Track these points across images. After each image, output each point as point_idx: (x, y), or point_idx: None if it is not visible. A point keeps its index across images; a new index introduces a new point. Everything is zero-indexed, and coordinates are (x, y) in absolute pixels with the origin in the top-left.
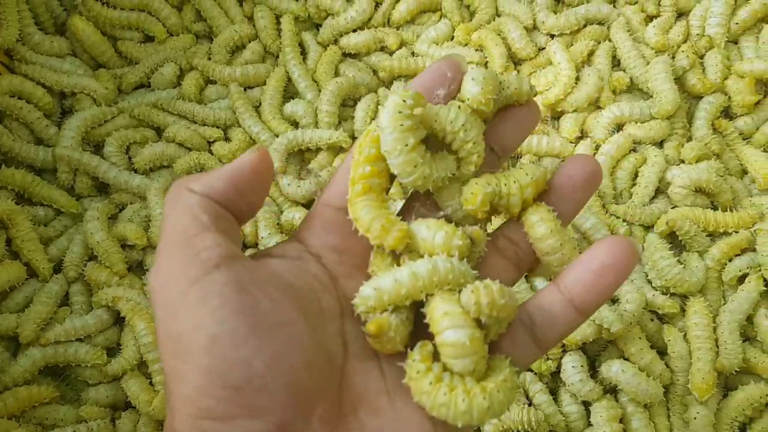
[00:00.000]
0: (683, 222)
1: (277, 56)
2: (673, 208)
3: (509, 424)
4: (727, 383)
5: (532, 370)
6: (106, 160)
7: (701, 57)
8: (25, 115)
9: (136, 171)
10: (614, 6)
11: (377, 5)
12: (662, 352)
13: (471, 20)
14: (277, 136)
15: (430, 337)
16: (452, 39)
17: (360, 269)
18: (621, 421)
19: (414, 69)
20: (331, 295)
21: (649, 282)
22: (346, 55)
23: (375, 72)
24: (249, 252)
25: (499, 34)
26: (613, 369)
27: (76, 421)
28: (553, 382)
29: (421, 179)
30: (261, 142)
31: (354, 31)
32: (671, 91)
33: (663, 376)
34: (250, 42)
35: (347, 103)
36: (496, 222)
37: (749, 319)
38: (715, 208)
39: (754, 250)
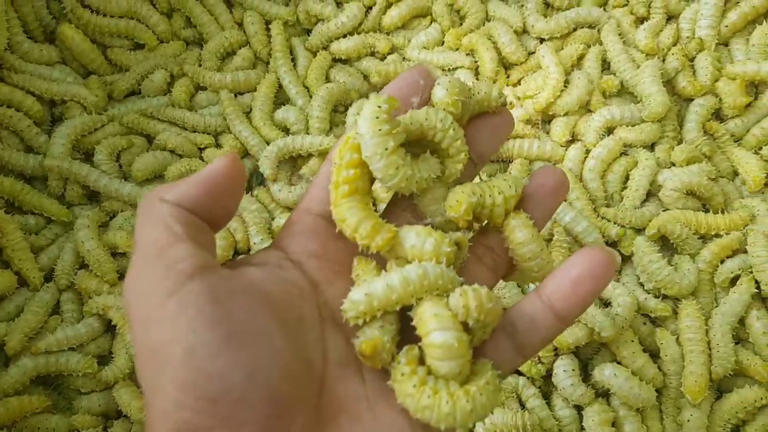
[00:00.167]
0: (674, 226)
1: (268, 62)
2: (664, 210)
3: (503, 429)
4: (719, 385)
5: (523, 374)
6: (97, 168)
7: (691, 59)
8: (15, 123)
9: (126, 179)
10: (604, 9)
11: (367, 10)
12: (655, 355)
13: (461, 25)
14: (268, 143)
15: (416, 342)
16: (443, 44)
17: (341, 275)
18: (613, 424)
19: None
20: (311, 303)
21: (641, 285)
22: (336, 61)
23: (366, 77)
24: (240, 258)
25: (489, 39)
26: (605, 373)
27: (68, 430)
28: (546, 387)
29: (404, 181)
30: (251, 147)
31: (344, 36)
32: (659, 93)
33: (655, 380)
34: (240, 48)
35: (338, 109)
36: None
37: (741, 321)
38: (706, 211)
39: (746, 251)
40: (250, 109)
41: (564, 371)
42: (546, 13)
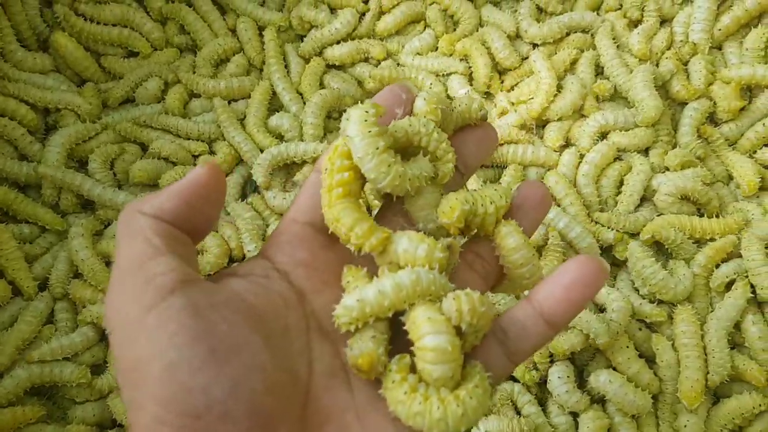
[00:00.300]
0: (668, 231)
1: (262, 69)
2: (659, 215)
3: None
4: (716, 390)
5: (518, 381)
6: (91, 176)
7: (685, 63)
8: (9, 132)
9: (120, 187)
10: (597, 13)
11: (361, 16)
12: (651, 361)
13: (455, 30)
14: (262, 150)
15: (407, 352)
16: (436, 49)
17: (328, 284)
18: (609, 430)
19: (402, 78)
20: (297, 313)
21: (636, 290)
22: (330, 67)
23: (360, 83)
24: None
25: (483, 44)
26: (600, 379)
27: None
28: (542, 393)
29: (397, 179)
30: (244, 154)
31: (338, 42)
32: (651, 97)
33: (651, 385)
34: (234, 55)
35: (332, 115)
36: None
37: (737, 325)
38: (701, 215)
39: (741, 255)
40: (244, 116)
41: (559, 378)
42: (539, 18)
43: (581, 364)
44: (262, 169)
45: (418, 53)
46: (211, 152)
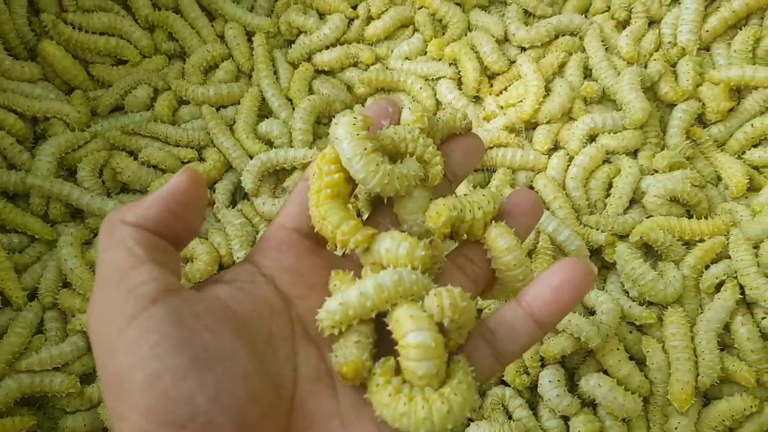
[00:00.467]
0: (657, 233)
1: (251, 75)
2: (648, 217)
3: None
4: (706, 392)
5: (509, 385)
6: (80, 184)
7: (673, 65)
8: None
9: (110, 195)
10: (585, 16)
11: (350, 22)
12: (643, 363)
13: (444, 34)
14: (251, 156)
15: (392, 354)
16: (425, 53)
17: (314, 290)
18: None
19: (391, 81)
20: (283, 319)
21: (626, 293)
22: (319, 72)
23: (349, 88)
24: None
25: (472, 48)
26: (590, 383)
27: None
28: (533, 397)
29: (386, 177)
30: (233, 161)
31: (326, 48)
32: (638, 99)
33: (642, 388)
34: (223, 61)
35: (322, 121)
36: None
37: (727, 327)
38: (690, 216)
39: (730, 257)
40: (234, 122)
41: (549, 382)
42: (527, 22)
43: (572, 367)
44: (251, 175)
45: (407, 58)
46: (201, 159)
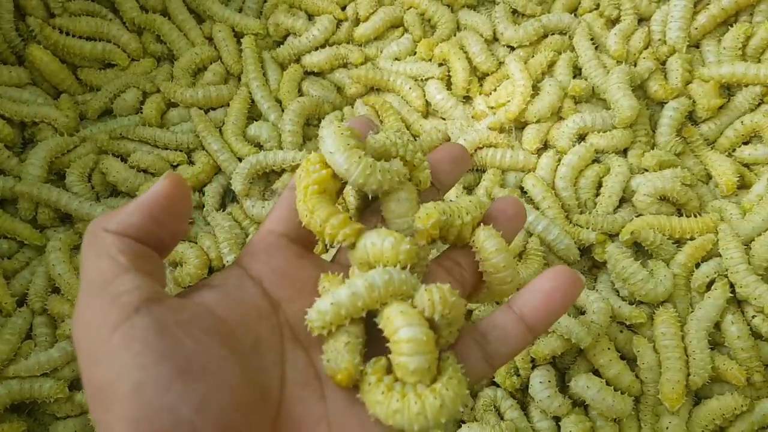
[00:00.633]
0: (647, 232)
1: (239, 77)
2: (638, 216)
3: None
4: (697, 391)
5: (499, 386)
6: (69, 189)
7: (663, 63)
8: None
9: (98, 199)
10: (574, 15)
11: (339, 23)
12: (634, 362)
13: (433, 35)
14: (241, 159)
15: (382, 354)
16: (414, 54)
17: (302, 293)
18: None
19: (380, 80)
20: (270, 322)
21: (616, 292)
22: (309, 73)
23: (339, 89)
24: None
25: (461, 48)
26: (579, 384)
27: None
28: (524, 398)
29: (368, 168)
30: (222, 163)
31: (315, 49)
32: (626, 98)
33: (632, 387)
34: (211, 63)
35: (311, 122)
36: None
37: (717, 325)
38: (680, 214)
39: (720, 255)
40: (223, 124)
41: (540, 383)
42: (516, 21)
43: (563, 367)
44: (240, 178)
45: (396, 58)
46: (190, 162)
